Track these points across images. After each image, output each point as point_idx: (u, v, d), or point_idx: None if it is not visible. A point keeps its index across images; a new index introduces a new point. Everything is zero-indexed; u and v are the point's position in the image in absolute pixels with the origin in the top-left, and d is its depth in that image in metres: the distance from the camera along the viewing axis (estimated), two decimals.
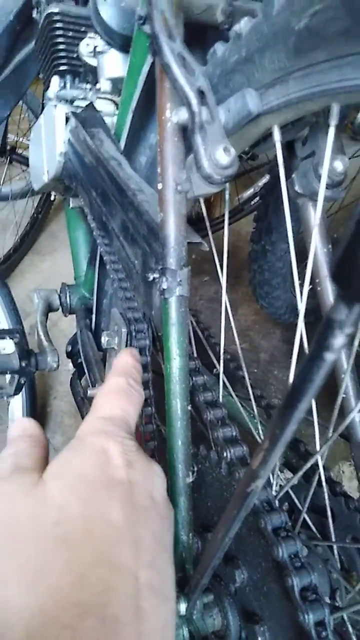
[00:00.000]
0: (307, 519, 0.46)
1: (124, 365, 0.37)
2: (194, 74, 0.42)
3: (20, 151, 1.74)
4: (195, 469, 0.43)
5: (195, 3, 0.45)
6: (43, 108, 1.23)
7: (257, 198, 1.20)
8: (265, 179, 1.16)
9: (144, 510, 0.28)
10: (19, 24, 1.08)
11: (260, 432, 0.51)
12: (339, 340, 0.20)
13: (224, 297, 0.50)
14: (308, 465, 0.39)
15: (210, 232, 0.53)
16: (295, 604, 0.33)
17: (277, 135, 0.42)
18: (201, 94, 0.41)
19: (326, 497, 0.44)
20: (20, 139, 1.84)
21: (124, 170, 0.59)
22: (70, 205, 0.90)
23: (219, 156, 0.40)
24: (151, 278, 0.48)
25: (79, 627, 0.22)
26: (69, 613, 0.22)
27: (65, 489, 0.26)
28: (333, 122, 0.37)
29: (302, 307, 0.40)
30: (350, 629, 0.42)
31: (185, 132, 0.44)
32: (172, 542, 0.30)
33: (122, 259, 0.59)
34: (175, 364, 0.43)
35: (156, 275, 0.48)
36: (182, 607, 0.39)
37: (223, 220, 1.28)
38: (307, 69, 0.36)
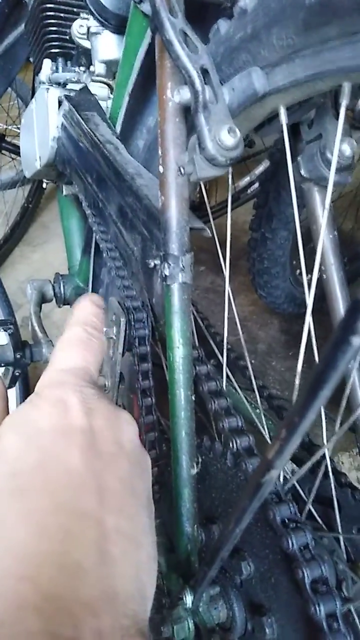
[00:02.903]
0: (313, 510, 0.45)
1: (82, 314, 0.35)
2: (197, 51, 0.40)
3: (9, 139, 1.70)
4: (200, 460, 0.42)
5: None
6: (33, 94, 1.20)
7: (255, 186, 1.18)
8: (262, 166, 1.14)
9: (110, 456, 0.28)
10: (7, 6, 1.05)
11: (264, 422, 0.50)
12: None
13: (227, 288, 0.49)
14: (316, 457, 0.38)
15: (212, 219, 0.52)
16: (306, 596, 0.33)
17: (283, 117, 0.41)
18: (204, 72, 0.40)
19: (333, 488, 0.43)
20: (9, 127, 1.80)
21: (121, 154, 0.57)
22: (64, 193, 0.88)
23: (224, 137, 0.38)
24: (152, 265, 0.46)
25: (38, 577, 0.21)
26: (27, 564, 0.22)
27: (21, 441, 0.26)
28: (344, 101, 0.36)
29: (310, 295, 0.39)
30: (357, 619, 0.41)
31: (187, 113, 0.42)
32: (146, 489, 0.29)
33: (120, 246, 0.57)
34: (179, 353, 0.42)
35: (157, 261, 0.46)
36: (188, 599, 0.38)
37: (219, 209, 1.26)
38: (318, 46, 0.34)
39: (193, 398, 0.42)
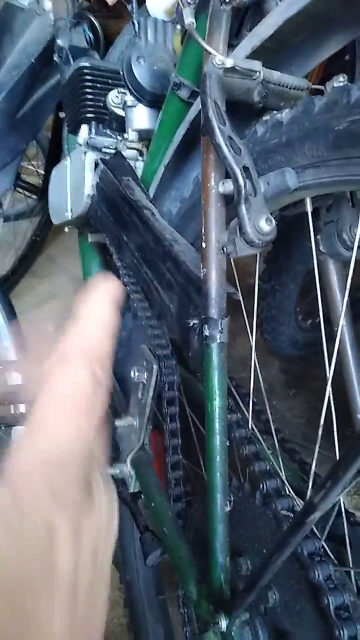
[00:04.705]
0: (326, 547, 0.51)
1: (92, 339, 0.24)
2: (240, 152, 0.48)
3: (24, 177, 1.79)
4: (232, 498, 0.48)
5: (237, 87, 0.52)
6: (52, 141, 1.31)
7: None
8: None
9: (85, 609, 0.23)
10: (39, 65, 1.16)
11: (282, 465, 0.56)
12: None
13: (253, 357, 0.56)
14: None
15: (237, 282, 0.59)
16: (331, 621, 0.38)
17: (308, 207, 0.49)
18: (246, 169, 0.48)
19: (345, 527, 0.49)
20: (25, 164, 1.89)
21: (157, 220, 0.65)
22: (89, 240, 0.95)
23: (262, 225, 0.46)
24: (192, 324, 0.53)
25: None
26: None
27: None
28: None
29: (330, 367, 0.46)
30: None
31: (227, 198, 0.50)
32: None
33: (154, 301, 0.64)
34: (216, 404, 0.48)
35: (196, 321, 0.53)
36: (224, 624, 0.44)
37: None
38: (343, 160, 0.42)
39: (227, 443, 0.48)
